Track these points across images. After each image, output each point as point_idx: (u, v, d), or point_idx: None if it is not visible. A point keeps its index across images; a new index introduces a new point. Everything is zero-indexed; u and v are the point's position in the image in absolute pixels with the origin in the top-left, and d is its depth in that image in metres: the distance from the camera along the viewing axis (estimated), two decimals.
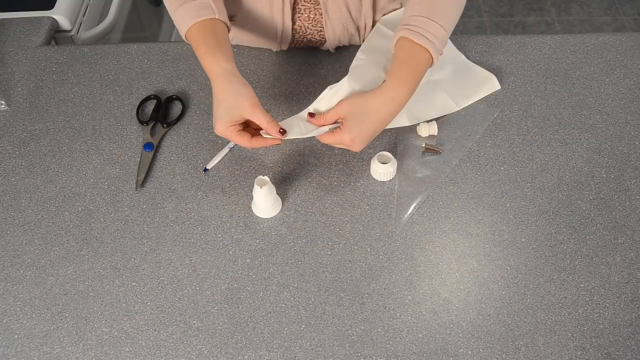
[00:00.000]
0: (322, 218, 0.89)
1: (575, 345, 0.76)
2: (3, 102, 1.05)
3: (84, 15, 1.36)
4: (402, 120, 0.95)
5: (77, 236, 0.89)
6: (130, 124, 1.02)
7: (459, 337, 0.77)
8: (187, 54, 1.12)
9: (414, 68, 0.85)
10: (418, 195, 0.90)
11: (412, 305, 0.80)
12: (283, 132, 0.83)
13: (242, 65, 1.09)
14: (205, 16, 0.87)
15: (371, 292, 0.81)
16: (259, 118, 0.82)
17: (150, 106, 1.04)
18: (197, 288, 0.83)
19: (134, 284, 0.83)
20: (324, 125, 0.87)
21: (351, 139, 0.82)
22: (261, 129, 0.85)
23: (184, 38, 0.89)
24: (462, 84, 1.02)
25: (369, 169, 0.93)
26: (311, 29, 1.05)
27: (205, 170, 0.95)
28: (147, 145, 0.98)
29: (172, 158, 0.97)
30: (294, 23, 1.03)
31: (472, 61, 1.07)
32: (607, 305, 0.79)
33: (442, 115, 0.99)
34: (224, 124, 0.83)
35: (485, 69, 1.05)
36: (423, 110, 0.98)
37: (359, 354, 0.76)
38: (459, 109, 1.00)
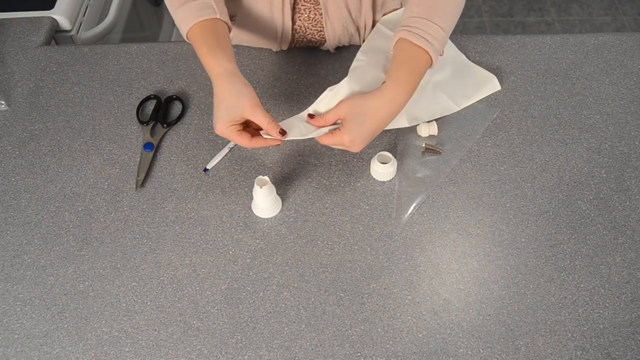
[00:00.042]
0: (322, 218, 0.89)
1: (575, 345, 0.76)
2: (3, 102, 1.05)
3: (84, 15, 1.36)
4: (401, 121, 0.95)
5: (77, 236, 0.89)
6: (130, 124, 1.02)
7: (459, 337, 0.77)
8: (187, 54, 1.12)
9: (413, 69, 0.85)
10: (418, 195, 0.90)
11: (412, 305, 0.80)
12: (283, 132, 0.84)
13: (242, 65, 1.09)
14: (206, 16, 0.87)
15: (371, 292, 0.81)
16: (260, 118, 0.82)
17: (150, 106, 1.04)
18: (197, 288, 0.83)
19: (134, 284, 0.83)
20: (323, 127, 0.87)
21: (350, 140, 0.83)
22: (261, 129, 0.85)
23: (185, 38, 0.89)
24: (462, 85, 1.02)
25: (369, 169, 0.93)
26: (311, 29, 1.05)
27: (205, 170, 0.95)
28: (147, 145, 0.98)
29: (172, 158, 0.97)
30: (294, 23, 1.03)
31: (472, 61, 1.07)
32: (607, 305, 0.79)
33: (441, 115, 0.99)
34: (224, 124, 0.83)
35: (485, 69, 1.05)
36: (422, 111, 0.98)
37: (359, 354, 0.76)
38: (459, 109, 1.00)
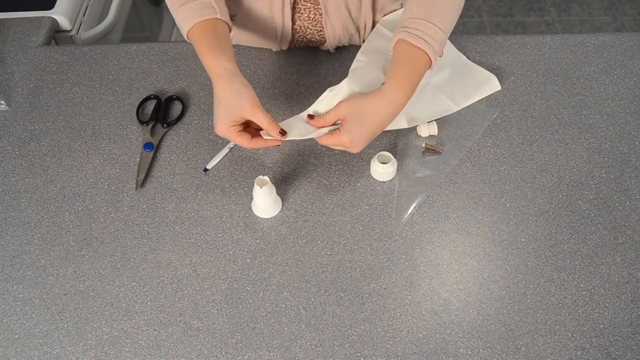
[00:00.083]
0: (322, 218, 0.89)
1: (575, 345, 0.76)
2: (3, 102, 1.05)
3: (84, 15, 1.36)
4: (400, 123, 0.95)
5: (77, 236, 0.89)
6: (130, 124, 1.02)
7: (459, 337, 0.77)
8: (187, 54, 1.12)
9: (413, 70, 0.85)
10: (418, 195, 0.90)
11: (412, 305, 0.80)
12: (283, 133, 0.84)
13: (242, 65, 1.09)
14: (206, 16, 0.87)
15: (371, 292, 0.81)
16: (260, 118, 0.83)
17: (150, 106, 1.04)
18: (197, 288, 0.83)
19: (134, 284, 0.83)
20: (323, 127, 0.87)
21: (350, 141, 0.83)
22: (262, 129, 0.85)
23: (185, 37, 0.89)
24: (462, 84, 1.02)
25: (369, 169, 0.93)
26: (311, 29, 1.05)
27: (205, 170, 0.95)
28: (147, 145, 0.98)
29: (172, 158, 0.97)
30: (293, 23, 1.03)
31: (472, 61, 1.07)
32: (607, 305, 0.79)
33: (441, 116, 0.99)
34: (224, 124, 0.83)
35: (485, 69, 1.05)
36: (422, 112, 0.98)
37: (359, 354, 0.76)
38: (458, 109, 1.00)
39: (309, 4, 1.01)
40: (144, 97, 1.05)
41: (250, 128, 0.87)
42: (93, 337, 0.79)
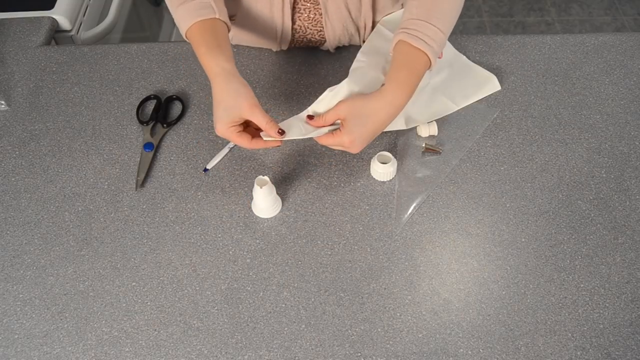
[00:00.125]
0: (322, 218, 0.89)
1: (575, 345, 0.76)
2: (3, 102, 1.06)
3: (84, 15, 1.36)
4: (400, 123, 0.95)
5: (77, 236, 0.89)
6: (130, 124, 1.02)
7: (459, 337, 0.77)
8: (187, 54, 1.12)
9: (412, 71, 0.85)
10: (418, 195, 0.90)
11: (412, 305, 0.80)
12: (282, 132, 0.84)
13: (242, 65, 1.09)
14: (205, 16, 0.87)
15: (371, 292, 0.81)
16: (258, 118, 0.83)
17: (150, 106, 1.04)
18: (197, 288, 0.83)
19: (134, 284, 0.83)
20: (323, 127, 0.87)
21: (351, 141, 0.83)
22: (261, 130, 0.85)
23: (184, 37, 0.89)
24: (462, 85, 1.02)
25: (369, 169, 0.93)
26: (311, 29, 1.05)
27: (205, 170, 0.95)
28: (147, 145, 0.98)
29: (172, 158, 0.97)
30: (293, 23, 1.03)
31: (472, 61, 1.07)
32: (607, 305, 0.79)
33: (441, 116, 0.99)
34: (224, 125, 0.83)
35: (485, 69, 1.05)
36: (421, 113, 0.98)
37: (359, 354, 0.76)
38: (458, 108, 1.00)
39: (308, 4, 1.01)
40: (144, 97, 1.05)
41: (250, 128, 0.87)
42: (93, 337, 0.79)
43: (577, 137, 0.96)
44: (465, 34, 1.30)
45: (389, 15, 1.05)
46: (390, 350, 0.76)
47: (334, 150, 0.95)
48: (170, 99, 1.05)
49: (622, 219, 0.87)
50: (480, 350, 0.76)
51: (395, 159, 0.91)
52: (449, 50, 1.07)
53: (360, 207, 0.90)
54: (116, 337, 0.79)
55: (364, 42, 1.08)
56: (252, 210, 0.90)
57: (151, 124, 1.01)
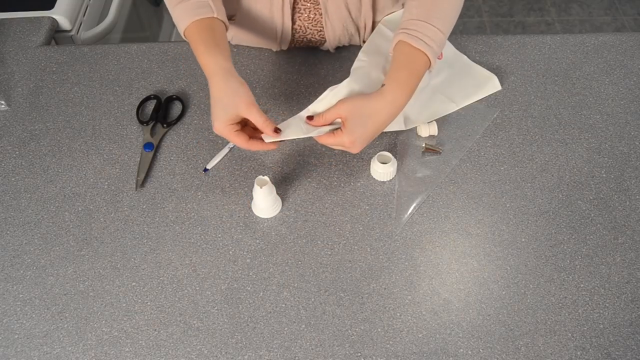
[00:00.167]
0: (322, 218, 0.89)
1: (575, 345, 0.76)
2: (3, 102, 1.05)
3: (84, 15, 1.36)
4: (400, 124, 0.95)
5: (77, 236, 0.89)
6: (130, 124, 1.02)
7: (459, 337, 0.77)
8: (187, 54, 1.12)
9: (412, 72, 0.86)
10: (418, 195, 0.90)
11: (412, 305, 0.80)
12: (278, 131, 0.84)
13: (242, 65, 1.09)
14: (203, 15, 0.87)
15: (371, 292, 0.81)
16: (255, 117, 0.82)
17: (150, 106, 1.04)
18: (197, 288, 0.83)
19: (134, 284, 0.83)
20: (324, 126, 0.87)
21: (351, 141, 0.83)
22: (258, 130, 0.85)
23: (182, 35, 0.90)
24: (462, 84, 1.02)
25: (369, 169, 0.93)
26: (311, 29, 1.05)
27: (205, 170, 0.95)
28: (147, 145, 0.98)
29: (172, 158, 0.97)
30: (293, 23, 1.03)
31: (473, 61, 1.06)
32: (607, 305, 0.79)
33: (441, 116, 0.99)
34: (221, 123, 0.83)
35: (486, 69, 1.05)
36: (422, 114, 0.98)
37: (359, 354, 0.76)
38: (458, 108, 1.00)
39: (309, 4, 1.01)
40: (144, 97, 1.05)
41: (248, 127, 0.87)
42: (93, 337, 0.79)
43: (577, 137, 0.96)
44: (465, 34, 1.30)
45: (390, 15, 1.05)
46: (390, 350, 0.76)
47: (334, 150, 0.96)
48: (170, 99, 1.05)
49: (622, 219, 0.87)
50: (480, 350, 0.76)
51: (395, 159, 0.91)
52: (450, 49, 1.07)
53: (360, 207, 0.90)
54: (116, 337, 0.79)
55: (364, 42, 1.08)
56: (252, 210, 0.90)
57: (151, 124, 1.01)
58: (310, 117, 0.87)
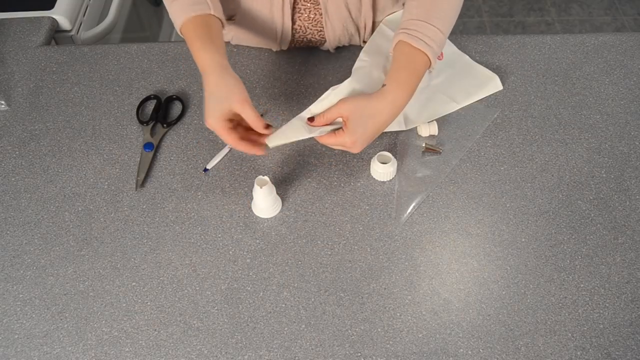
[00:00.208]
0: (322, 218, 0.89)
1: (575, 345, 0.76)
2: (3, 102, 1.05)
3: (84, 15, 1.36)
4: (400, 124, 0.95)
5: (77, 236, 0.89)
6: (130, 124, 1.02)
7: (459, 337, 0.77)
8: (187, 54, 1.11)
9: (413, 72, 0.86)
10: (418, 195, 0.90)
11: (412, 305, 0.80)
12: (269, 127, 0.83)
13: (242, 65, 1.09)
14: (200, 11, 0.87)
15: (371, 292, 0.81)
16: (247, 113, 0.82)
17: (150, 106, 1.04)
18: (197, 288, 0.83)
19: (134, 284, 0.83)
20: (325, 125, 0.86)
21: (353, 142, 0.83)
22: (251, 130, 0.85)
23: (178, 32, 0.90)
24: (464, 83, 1.02)
25: (369, 169, 0.93)
26: (311, 29, 1.05)
27: (205, 170, 0.95)
28: (147, 145, 0.98)
29: (172, 158, 0.97)
30: (293, 23, 1.03)
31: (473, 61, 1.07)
32: (607, 305, 0.79)
33: (442, 115, 0.99)
34: (214, 118, 0.82)
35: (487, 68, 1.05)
36: (422, 113, 0.98)
37: (359, 354, 0.76)
38: (459, 107, 1.00)
39: (309, 4, 1.01)
40: (144, 97, 1.05)
41: (240, 128, 0.86)
42: (93, 337, 0.79)
43: (577, 137, 0.96)
44: (465, 34, 1.30)
45: (391, 15, 1.05)
46: (390, 350, 0.76)
47: (334, 150, 0.95)
48: (170, 99, 1.05)
49: (622, 219, 0.87)
50: (480, 350, 0.76)
51: (395, 159, 0.91)
52: (451, 49, 1.07)
53: (360, 207, 0.90)
54: (116, 337, 0.79)
55: (364, 42, 1.08)
56: (252, 210, 0.90)
57: (151, 124, 1.01)
58: (311, 119, 0.87)
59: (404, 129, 0.96)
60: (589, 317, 0.78)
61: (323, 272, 0.83)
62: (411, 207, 0.89)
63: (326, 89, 0.89)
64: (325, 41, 1.07)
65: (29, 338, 0.79)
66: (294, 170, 0.94)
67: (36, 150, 0.99)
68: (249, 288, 0.82)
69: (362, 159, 0.95)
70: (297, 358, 0.76)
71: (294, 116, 0.88)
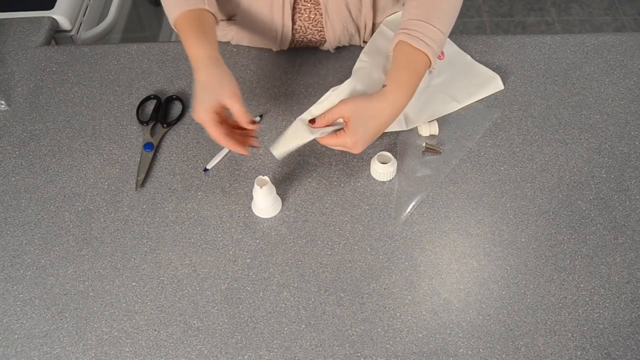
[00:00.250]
0: (322, 218, 0.89)
1: (575, 345, 0.76)
2: (3, 102, 1.05)
3: (84, 15, 1.36)
4: (400, 124, 0.95)
5: (77, 236, 0.88)
6: (130, 124, 1.02)
7: (459, 337, 0.77)
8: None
9: (413, 72, 0.86)
10: (418, 195, 0.90)
11: (412, 305, 0.80)
12: (254, 123, 0.83)
13: (242, 65, 1.09)
14: (194, 5, 0.88)
15: (371, 292, 0.81)
16: (236, 106, 0.82)
17: (150, 106, 1.04)
18: (197, 288, 0.83)
19: (134, 284, 0.83)
20: (327, 126, 0.86)
21: (354, 142, 0.83)
22: (237, 128, 0.85)
23: (172, 26, 0.90)
24: (465, 83, 1.02)
25: (369, 169, 0.93)
26: (311, 29, 1.05)
27: (205, 170, 0.95)
28: (147, 145, 0.98)
29: (172, 158, 0.97)
30: (294, 23, 1.03)
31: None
32: (607, 305, 0.79)
33: (443, 114, 0.99)
34: (203, 110, 0.81)
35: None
36: (423, 113, 0.98)
37: (359, 354, 0.76)
38: (460, 106, 1.00)
39: (309, 4, 1.01)
40: (144, 97, 1.05)
41: (226, 125, 0.85)
42: (93, 337, 0.79)
43: (577, 137, 0.96)
44: (465, 34, 1.30)
45: (392, 16, 1.05)
46: (390, 350, 0.76)
47: (334, 150, 0.95)
48: (170, 99, 1.05)
49: (622, 219, 0.87)
50: (480, 350, 0.76)
51: (395, 159, 0.91)
52: (452, 48, 1.07)
53: (360, 207, 0.90)
54: (116, 337, 0.79)
55: (364, 42, 1.08)
56: (252, 210, 0.90)
57: (151, 124, 1.01)
58: (312, 121, 0.87)
59: (405, 128, 0.96)
60: (589, 317, 0.78)
61: (323, 272, 0.83)
62: (411, 206, 0.89)
63: (326, 89, 0.89)
64: (325, 41, 1.07)
65: (29, 338, 0.79)
66: (294, 170, 0.94)
67: (36, 150, 0.99)
68: (249, 288, 0.82)
69: (362, 159, 0.95)
70: (297, 358, 0.76)
71: (294, 116, 0.89)
